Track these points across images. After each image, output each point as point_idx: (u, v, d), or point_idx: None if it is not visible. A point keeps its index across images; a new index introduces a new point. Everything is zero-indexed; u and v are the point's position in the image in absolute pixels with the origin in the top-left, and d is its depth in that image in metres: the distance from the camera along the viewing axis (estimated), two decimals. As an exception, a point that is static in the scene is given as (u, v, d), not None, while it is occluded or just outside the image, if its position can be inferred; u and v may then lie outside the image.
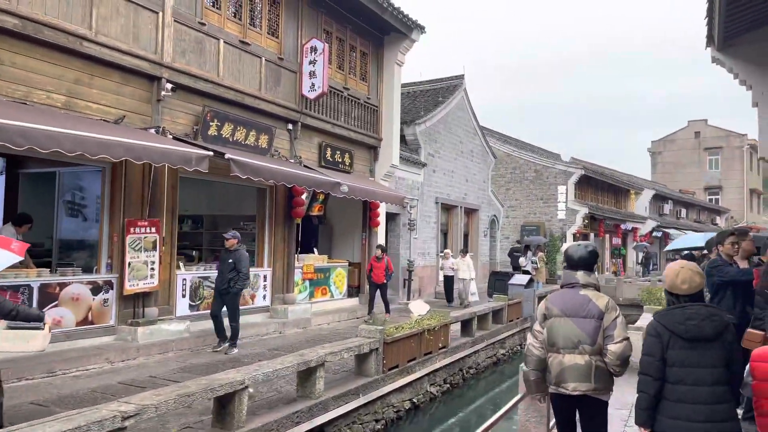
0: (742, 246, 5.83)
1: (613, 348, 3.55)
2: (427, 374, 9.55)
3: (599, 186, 31.36)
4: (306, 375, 6.68)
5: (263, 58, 11.16)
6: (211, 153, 8.51)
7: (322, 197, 14.15)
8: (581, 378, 3.60)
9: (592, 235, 29.76)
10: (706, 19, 7.64)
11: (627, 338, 3.60)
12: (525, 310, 14.92)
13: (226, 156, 8.83)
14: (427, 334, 9.36)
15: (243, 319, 10.72)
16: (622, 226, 32.79)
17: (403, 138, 17.60)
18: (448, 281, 16.29)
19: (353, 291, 14.67)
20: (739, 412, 3.62)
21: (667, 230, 37.79)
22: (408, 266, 16.45)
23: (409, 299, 16.35)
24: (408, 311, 12.50)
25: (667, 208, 39.87)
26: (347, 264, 14.38)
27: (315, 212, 14.29)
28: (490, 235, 23.71)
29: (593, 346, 3.59)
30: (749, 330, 4.78)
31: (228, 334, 9.07)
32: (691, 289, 3.23)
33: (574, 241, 26.95)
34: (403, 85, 20.89)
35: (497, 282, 16.00)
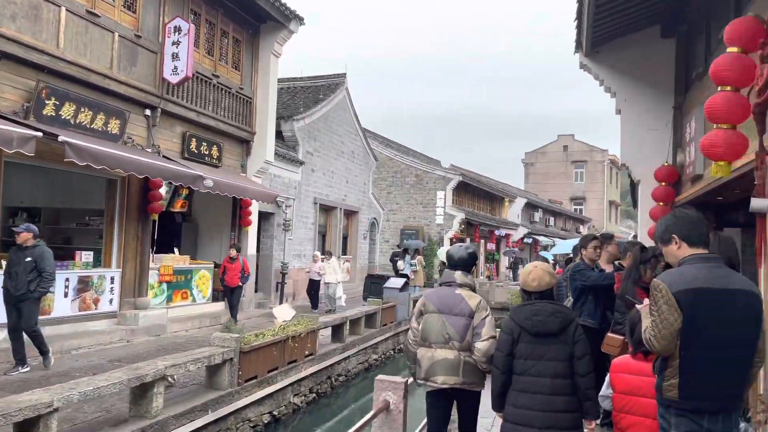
0: (608, 250, 5.79)
1: (479, 345, 3.68)
2: (291, 384, 8.88)
3: (476, 193, 32.31)
4: (141, 391, 5.78)
5: (116, 34, 9.94)
6: (39, 134, 7.30)
7: (185, 192, 13.01)
8: (450, 372, 3.73)
9: (468, 239, 30.55)
10: (576, 22, 7.69)
11: (494, 336, 3.68)
12: (399, 314, 14.67)
13: (60, 138, 7.63)
14: (291, 341, 8.69)
15: (82, 327, 9.48)
16: (497, 232, 34.03)
17: (280, 134, 16.80)
18: (313, 285, 15.12)
19: (219, 295, 13.60)
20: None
21: (537, 237, 39.83)
22: (282, 269, 15.66)
23: (282, 303, 15.57)
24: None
25: (538, 216, 42.08)
26: (213, 265, 13.33)
27: (177, 208, 13.12)
28: (370, 237, 23.45)
29: (462, 343, 3.73)
30: (609, 335, 4.65)
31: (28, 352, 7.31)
32: (540, 286, 3.45)
33: (451, 245, 27.44)
34: (283, 80, 20.09)
35: (373, 285, 15.65)
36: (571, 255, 13.64)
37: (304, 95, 19.23)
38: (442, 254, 23.66)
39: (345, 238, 21.33)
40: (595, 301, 5.45)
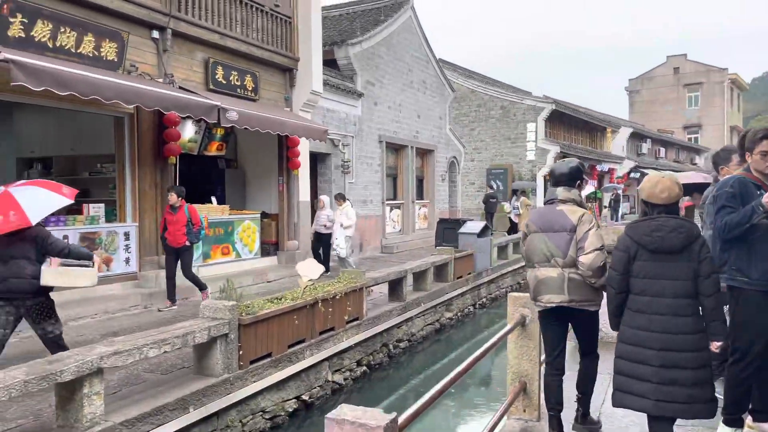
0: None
1: (583, 259, 3.51)
2: (327, 359, 7.00)
3: (572, 123, 28.74)
4: (68, 393, 4.05)
5: (101, -66, 8.09)
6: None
7: (220, 132, 11.31)
8: (554, 290, 3.59)
9: (565, 177, 27.29)
10: None
11: (599, 249, 3.49)
12: (479, 264, 12.41)
13: (2, 56, 5.92)
14: (322, 305, 6.75)
15: (92, 292, 8.01)
16: (598, 167, 30.38)
17: (334, 63, 14.67)
18: (321, 240, 11.48)
19: (270, 249, 12.01)
20: None
21: (645, 171, 35.50)
22: (343, 216, 13.77)
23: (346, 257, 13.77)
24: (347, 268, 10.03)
25: (646, 147, 37.55)
26: (260, 216, 11.66)
27: (213, 152, 11.47)
28: (450, 179, 21.07)
29: (565, 259, 3.58)
30: None
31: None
32: (669, 198, 3.14)
33: (544, 183, 24.49)
34: (340, 5, 17.82)
35: (446, 231, 13.42)
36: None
37: (363, 19, 16.84)
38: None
39: (420, 181, 19.11)
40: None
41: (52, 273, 4.85)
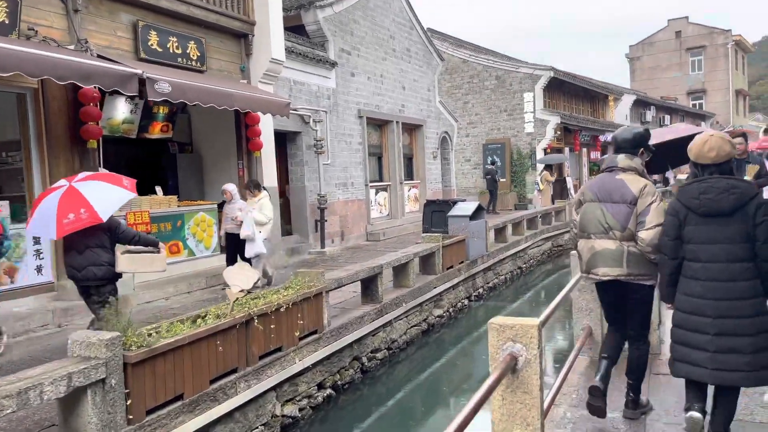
0: None
1: (643, 235, 3.30)
2: (275, 388, 5.47)
3: (572, 92, 26.95)
4: None
5: None
6: None
7: (163, 111, 9.69)
8: (612, 263, 3.40)
9: (567, 149, 25.66)
10: None
11: (660, 224, 3.24)
12: (473, 250, 10.85)
13: None
14: (260, 322, 5.19)
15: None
16: (601, 138, 28.54)
17: (302, 29, 12.98)
18: (233, 242, 8.17)
19: (232, 243, 10.44)
20: None
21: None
22: (318, 203, 12.20)
23: (323, 247, 12.23)
24: (325, 261, 8.39)
25: (650, 115, 35.75)
26: (217, 207, 10.08)
27: (156, 134, 9.86)
28: (442, 156, 19.43)
29: (624, 232, 3.36)
30: None
31: None
32: (719, 157, 3.03)
33: (545, 155, 22.83)
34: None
35: (434, 215, 11.80)
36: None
37: (336, -20, 15.06)
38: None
39: (409, 160, 17.48)
40: None
41: (128, 259, 5.15)
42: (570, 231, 3.82)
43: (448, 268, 9.87)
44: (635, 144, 3.53)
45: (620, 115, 32.51)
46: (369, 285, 7.62)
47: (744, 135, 6.00)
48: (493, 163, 22.43)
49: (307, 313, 6.02)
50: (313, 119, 12.14)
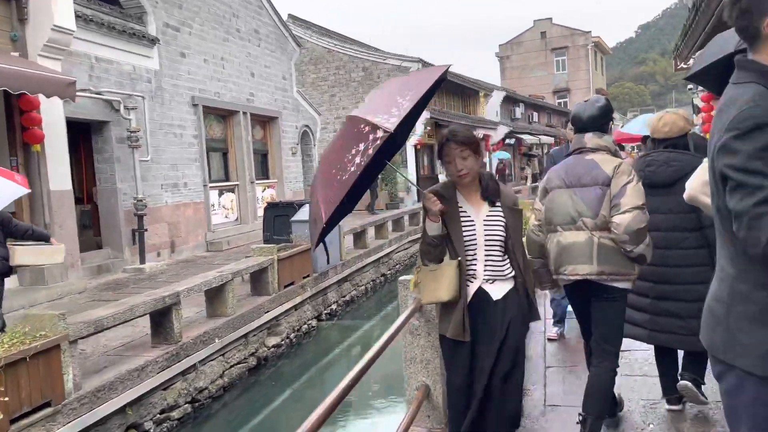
0: None
1: (617, 219, 2.77)
2: None
3: (443, 87, 26.20)
4: None
5: None
6: None
7: None
8: (581, 259, 2.85)
9: (437, 146, 24.85)
10: None
11: (639, 207, 2.76)
12: (322, 261, 9.19)
13: None
14: None
15: None
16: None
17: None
18: None
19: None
20: None
21: (520, 136, 34.29)
22: (136, 208, 9.93)
23: (143, 262, 9.98)
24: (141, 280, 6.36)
25: (519, 112, 36.27)
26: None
27: None
28: (305, 153, 17.67)
29: (596, 219, 2.85)
30: None
31: None
32: (672, 132, 3.14)
33: (416, 153, 21.79)
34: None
35: (277, 221, 9.95)
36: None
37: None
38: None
39: (264, 156, 15.54)
40: None
41: (25, 251, 5.03)
42: (528, 228, 3.13)
43: (287, 286, 8.13)
44: (603, 119, 3.07)
45: (491, 111, 32.54)
46: (161, 321, 5.67)
47: None
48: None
49: (30, 378, 4.01)
50: (125, 105, 9.86)
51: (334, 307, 9.80)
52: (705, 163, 2.23)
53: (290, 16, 22.24)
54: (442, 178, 17.54)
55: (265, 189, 15.09)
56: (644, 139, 6.39)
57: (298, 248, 8.56)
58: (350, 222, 12.26)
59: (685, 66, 20.77)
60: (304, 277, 8.69)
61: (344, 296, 10.30)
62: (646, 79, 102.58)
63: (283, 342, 7.92)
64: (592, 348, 2.97)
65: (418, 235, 11.63)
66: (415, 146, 21.96)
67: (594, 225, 2.84)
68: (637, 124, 8.30)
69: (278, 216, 9.81)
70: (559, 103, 49.26)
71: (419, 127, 21.89)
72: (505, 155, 31.01)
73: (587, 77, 49.72)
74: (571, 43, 49.83)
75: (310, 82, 22.59)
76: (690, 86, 14.70)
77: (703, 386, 3.11)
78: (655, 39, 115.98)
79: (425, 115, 21.85)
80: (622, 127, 12.81)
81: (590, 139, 2.99)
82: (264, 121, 15.40)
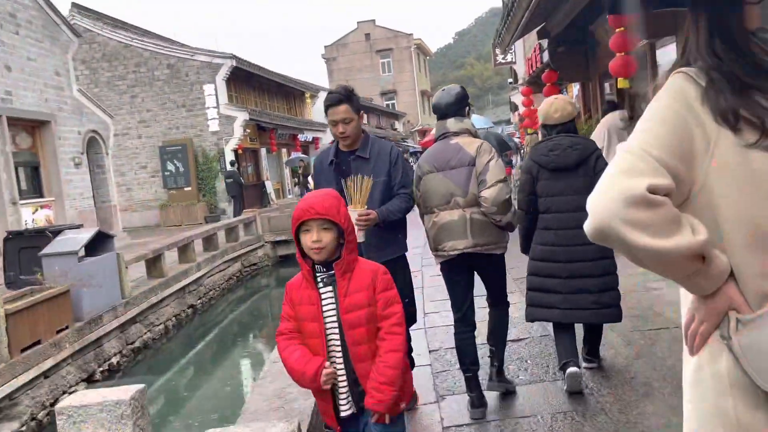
0: None
1: (486, 194, 3.11)
2: None
3: (264, 87, 24.37)
4: None
5: None
6: None
7: None
8: (457, 235, 3.19)
9: (263, 150, 23.00)
10: None
11: (502, 180, 3.16)
12: (88, 304, 6.98)
13: None
14: None
15: None
16: (301, 137, 26.80)
17: None
18: None
19: None
20: None
21: (350, 138, 33.44)
22: None
23: None
24: None
25: (348, 113, 35.47)
26: None
27: None
28: (95, 163, 14.80)
29: (466, 197, 3.18)
30: None
31: None
32: (563, 117, 3.33)
33: (236, 158, 19.71)
34: None
35: (23, 254, 7.42)
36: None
37: None
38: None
39: (35, 170, 12.56)
40: None
41: None
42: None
43: (27, 348, 5.87)
44: (461, 105, 3.33)
45: (318, 113, 31.28)
46: None
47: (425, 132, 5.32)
48: (233, 164, 18.89)
49: None
50: None
51: (115, 360, 7.62)
52: None
53: (74, 4, 18.96)
54: (268, 185, 15.67)
55: (36, 210, 12.14)
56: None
57: (48, 293, 6.31)
58: (143, 245, 10.06)
59: (504, 61, 21.25)
60: (60, 330, 6.45)
61: (131, 343, 8.13)
62: (466, 82, 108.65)
63: (24, 428, 5.68)
64: (489, 302, 3.40)
65: (238, 253, 9.66)
66: (235, 150, 19.85)
67: (465, 202, 3.15)
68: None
69: (25, 248, 7.38)
70: (388, 105, 49.67)
71: (237, 129, 19.86)
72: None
73: (412, 79, 50.69)
74: (395, 44, 50.45)
75: (105, 82, 19.47)
76: (510, 80, 14.55)
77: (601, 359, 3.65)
78: (471, 45, 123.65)
79: (242, 116, 19.88)
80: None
81: (453, 124, 3.27)
82: (32, 127, 12.42)
